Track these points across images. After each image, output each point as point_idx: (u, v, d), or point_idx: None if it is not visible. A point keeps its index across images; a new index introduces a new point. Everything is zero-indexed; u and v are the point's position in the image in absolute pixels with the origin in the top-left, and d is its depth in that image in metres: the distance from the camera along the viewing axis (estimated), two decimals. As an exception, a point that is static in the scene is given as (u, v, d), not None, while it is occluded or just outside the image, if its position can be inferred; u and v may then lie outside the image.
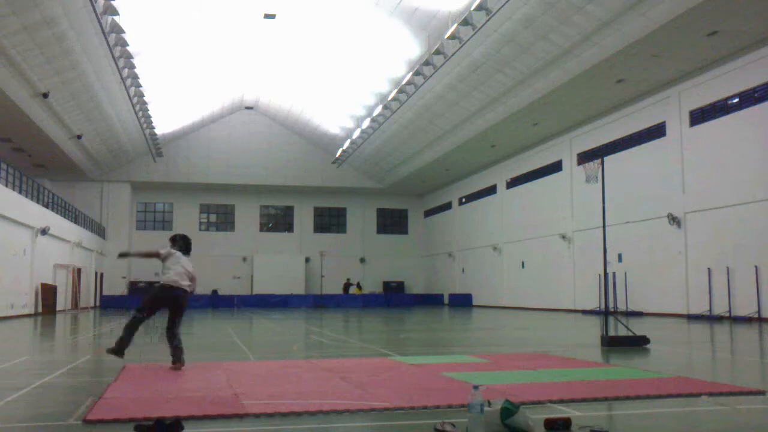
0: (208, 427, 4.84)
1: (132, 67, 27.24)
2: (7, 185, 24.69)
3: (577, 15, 20.48)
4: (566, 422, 4.63)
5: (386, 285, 49.63)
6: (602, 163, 12.67)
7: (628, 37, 20.33)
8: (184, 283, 8.72)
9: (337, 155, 42.34)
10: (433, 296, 47.16)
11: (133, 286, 44.40)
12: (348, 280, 46.79)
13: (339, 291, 46.04)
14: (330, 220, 50.27)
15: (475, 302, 40.14)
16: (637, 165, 26.47)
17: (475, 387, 4.49)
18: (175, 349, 8.36)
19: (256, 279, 46.60)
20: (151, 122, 35.39)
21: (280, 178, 45.75)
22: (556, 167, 32.73)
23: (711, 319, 21.75)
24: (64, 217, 34.09)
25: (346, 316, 26.94)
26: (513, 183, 37.22)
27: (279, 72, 35.10)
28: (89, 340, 14.99)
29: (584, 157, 29.45)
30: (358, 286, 46.30)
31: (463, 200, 44.13)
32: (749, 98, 21.51)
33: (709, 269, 22.56)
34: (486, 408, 4.47)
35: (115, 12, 21.78)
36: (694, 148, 23.67)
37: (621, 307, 25.89)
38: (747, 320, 20.42)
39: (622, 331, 12.67)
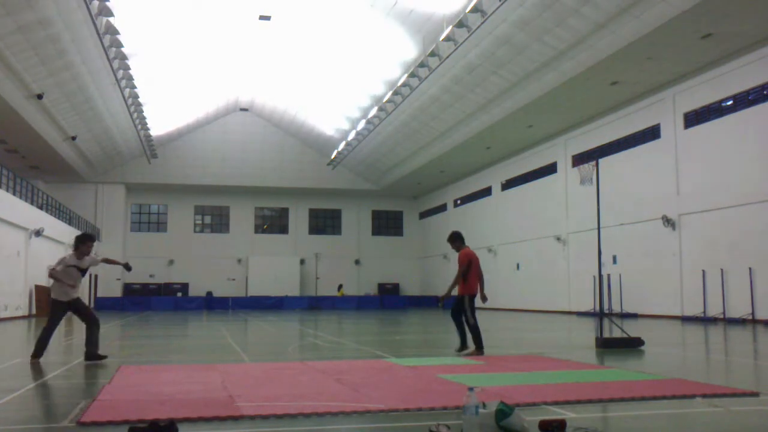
0: (202, 429, 4.84)
1: (127, 68, 27.17)
2: (1, 186, 24.61)
3: (572, 17, 20.54)
4: (561, 424, 4.63)
5: (381, 287, 49.62)
6: (597, 165, 12.70)
7: (623, 40, 20.39)
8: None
9: (332, 157, 42.32)
10: (428, 298, 47.15)
11: (128, 288, 44.37)
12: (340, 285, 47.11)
13: (334, 293, 46.09)
14: (325, 222, 50.25)
15: (470, 304, 40.04)
16: (631, 167, 26.54)
17: (470, 389, 4.50)
18: None
19: (250, 281, 46.53)
20: (146, 123, 35.31)
21: (275, 180, 45.71)
22: (551, 169, 32.79)
23: (705, 320, 21.81)
24: (59, 218, 34.01)
25: (340, 318, 26.93)
26: (508, 185, 37.27)
27: (274, 74, 35.08)
28: (83, 342, 14.94)
29: (579, 159, 29.52)
30: (339, 288, 46.64)
31: (458, 202, 44.16)
32: (743, 100, 21.59)
33: (703, 271, 22.63)
34: (481, 410, 4.47)
35: (110, 13, 21.72)
36: (688, 150, 23.75)
37: (616, 308, 25.92)
38: (741, 322, 20.47)
39: (617, 333, 12.69)
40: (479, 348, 10.39)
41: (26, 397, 6.45)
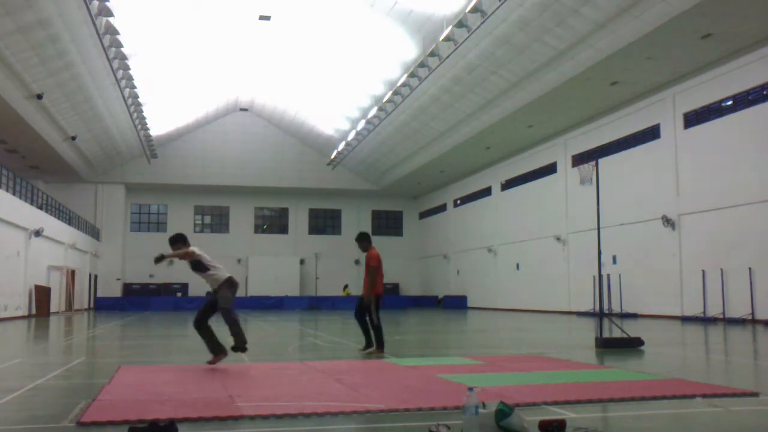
0: (202, 429, 4.83)
1: (126, 68, 27.17)
2: (0, 186, 24.61)
3: (572, 17, 20.54)
4: (561, 424, 4.63)
5: (381, 287, 49.54)
6: (597, 165, 12.70)
7: (623, 40, 20.39)
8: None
9: (332, 157, 42.34)
10: (427, 298, 47.15)
11: (127, 288, 44.35)
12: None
13: (333, 293, 46.07)
14: (325, 222, 50.25)
15: (470, 304, 40.12)
16: (631, 167, 26.54)
17: (470, 389, 4.50)
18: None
19: (250, 281, 46.52)
20: (146, 124, 35.32)
21: (274, 180, 45.71)
22: (550, 169, 32.79)
23: (705, 320, 21.81)
24: (58, 218, 33.98)
25: (341, 318, 26.93)
26: (508, 185, 37.27)
27: (274, 74, 35.08)
28: (83, 342, 14.95)
29: (579, 159, 29.52)
30: (345, 288, 46.62)
31: (458, 202, 44.16)
32: (743, 100, 21.59)
33: (703, 271, 22.63)
34: (481, 410, 4.47)
35: (109, 13, 21.72)
36: (688, 150, 23.75)
37: (615, 308, 25.93)
38: (740, 322, 20.48)
39: (617, 333, 12.69)
40: (380, 347, 10.69)
41: (26, 397, 6.45)
